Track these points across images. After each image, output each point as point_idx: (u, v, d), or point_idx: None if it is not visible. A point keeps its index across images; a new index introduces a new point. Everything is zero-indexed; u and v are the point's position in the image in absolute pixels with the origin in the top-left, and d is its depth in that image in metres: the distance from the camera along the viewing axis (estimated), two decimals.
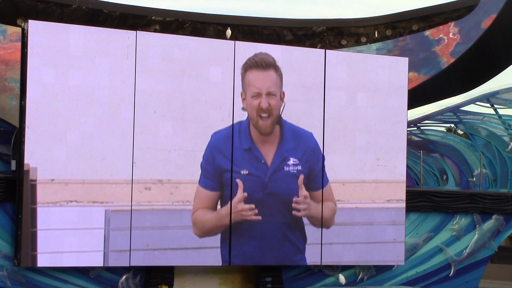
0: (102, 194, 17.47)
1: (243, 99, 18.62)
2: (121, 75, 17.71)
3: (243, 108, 18.61)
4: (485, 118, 23.16)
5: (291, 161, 18.91)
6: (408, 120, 21.01)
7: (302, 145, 19.10)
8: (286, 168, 18.90)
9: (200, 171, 18.22)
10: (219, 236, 18.40)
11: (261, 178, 18.70)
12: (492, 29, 21.59)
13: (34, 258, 16.98)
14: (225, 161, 18.42)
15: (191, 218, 18.10)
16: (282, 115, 18.90)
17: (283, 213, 18.87)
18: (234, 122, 18.54)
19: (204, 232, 18.27)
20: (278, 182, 18.81)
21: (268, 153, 18.79)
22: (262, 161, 18.71)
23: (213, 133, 18.37)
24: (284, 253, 18.92)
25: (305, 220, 19.09)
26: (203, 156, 18.27)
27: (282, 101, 18.91)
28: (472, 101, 22.91)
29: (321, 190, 19.25)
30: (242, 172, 18.53)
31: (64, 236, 17.15)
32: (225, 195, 18.42)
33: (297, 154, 19.01)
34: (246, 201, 18.55)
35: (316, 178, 19.20)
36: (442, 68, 21.78)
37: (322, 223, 19.22)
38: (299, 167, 19.01)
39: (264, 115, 18.66)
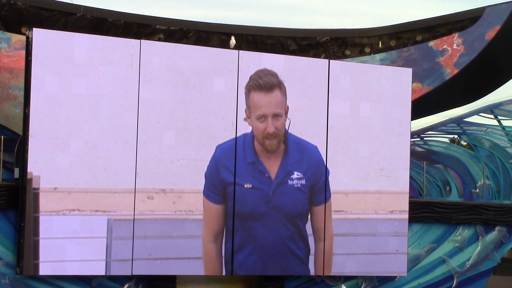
0: (104, 203, 17.46)
1: (248, 117, 18.56)
2: (125, 84, 17.71)
3: (245, 119, 18.60)
4: (489, 129, 23.16)
5: (295, 175, 18.88)
6: (412, 130, 21.00)
7: (306, 159, 19.06)
8: (290, 182, 18.86)
9: (204, 181, 18.21)
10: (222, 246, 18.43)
11: (265, 192, 18.67)
12: (496, 41, 21.62)
13: (36, 267, 16.95)
14: (229, 175, 18.38)
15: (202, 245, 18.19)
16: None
17: (286, 226, 18.84)
18: (238, 133, 18.52)
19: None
20: (282, 196, 18.77)
21: (273, 166, 18.75)
22: (266, 175, 18.67)
23: (217, 145, 18.33)
24: (288, 265, 18.90)
25: (308, 231, 19.08)
26: (208, 167, 18.25)
27: (287, 115, 18.86)
28: (476, 112, 22.91)
29: (323, 205, 19.21)
30: (245, 186, 18.52)
31: (67, 245, 17.13)
32: (229, 207, 18.42)
33: (301, 168, 18.97)
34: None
35: (319, 192, 19.17)
36: (446, 79, 21.77)
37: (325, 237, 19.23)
38: (303, 181, 18.98)
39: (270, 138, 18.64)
